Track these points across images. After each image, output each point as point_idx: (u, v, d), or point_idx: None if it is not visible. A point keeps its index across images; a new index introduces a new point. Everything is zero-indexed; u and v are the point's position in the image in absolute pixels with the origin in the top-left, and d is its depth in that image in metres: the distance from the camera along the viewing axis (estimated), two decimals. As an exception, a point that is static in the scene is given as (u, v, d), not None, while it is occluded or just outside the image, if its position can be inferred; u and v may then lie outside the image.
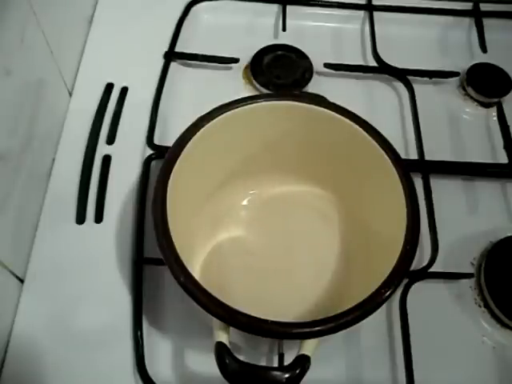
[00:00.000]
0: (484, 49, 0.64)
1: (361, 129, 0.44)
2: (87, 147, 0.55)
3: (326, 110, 0.45)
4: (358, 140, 0.45)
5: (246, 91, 0.60)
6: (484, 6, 0.67)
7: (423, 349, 0.46)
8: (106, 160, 0.55)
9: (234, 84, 0.60)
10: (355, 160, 0.46)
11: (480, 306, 0.49)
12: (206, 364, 0.43)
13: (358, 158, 0.46)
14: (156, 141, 0.55)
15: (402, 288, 0.48)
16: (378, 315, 0.47)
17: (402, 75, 0.61)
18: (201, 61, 0.61)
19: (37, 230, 0.50)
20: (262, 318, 0.36)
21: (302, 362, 0.35)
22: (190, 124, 0.43)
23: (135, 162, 0.54)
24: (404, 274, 0.38)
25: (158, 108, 0.57)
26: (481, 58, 0.63)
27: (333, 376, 0.45)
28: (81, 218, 0.52)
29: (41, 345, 0.45)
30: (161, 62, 0.61)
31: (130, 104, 0.58)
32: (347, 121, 0.45)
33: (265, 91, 0.59)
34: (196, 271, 0.47)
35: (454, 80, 0.62)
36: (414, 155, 0.56)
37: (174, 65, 0.61)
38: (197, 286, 0.36)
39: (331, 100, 0.47)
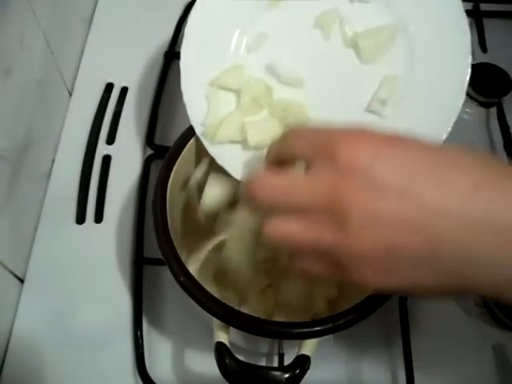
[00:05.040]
0: (484, 49, 0.64)
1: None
2: (87, 147, 0.55)
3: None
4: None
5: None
6: (484, 6, 0.67)
7: (423, 349, 0.46)
8: (106, 160, 0.55)
9: (233, 84, 0.60)
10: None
11: (480, 306, 0.49)
12: (206, 364, 0.43)
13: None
14: (156, 141, 0.55)
15: (401, 288, 0.48)
16: (378, 315, 0.47)
17: (402, 75, 0.61)
18: (201, 61, 0.61)
19: (37, 230, 0.50)
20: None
21: (302, 362, 0.35)
22: (190, 124, 0.43)
23: (135, 162, 0.54)
24: (404, 274, 0.38)
25: (158, 108, 0.57)
26: (481, 57, 0.63)
27: (333, 376, 0.45)
28: (81, 218, 0.52)
29: (41, 344, 0.45)
30: (161, 62, 0.61)
31: (130, 104, 0.58)
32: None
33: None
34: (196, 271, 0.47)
35: (454, 80, 0.62)
36: (413, 155, 0.56)
37: (174, 65, 0.61)
38: (197, 286, 0.36)
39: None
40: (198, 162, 0.44)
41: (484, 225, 0.24)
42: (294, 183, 0.29)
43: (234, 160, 0.40)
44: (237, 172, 0.40)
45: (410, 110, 0.39)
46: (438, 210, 0.25)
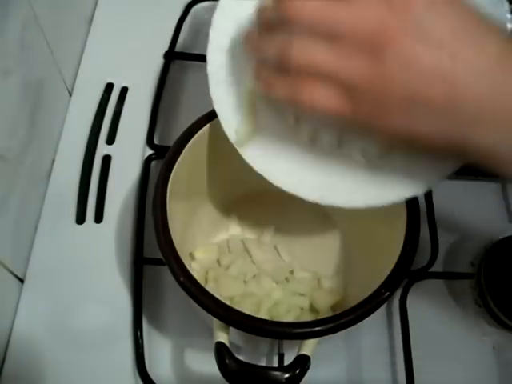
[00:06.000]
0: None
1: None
2: (87, 147, 0.55)
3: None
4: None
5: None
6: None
7: (423, 349, 0.46)
8: (106, 160, 0.55)
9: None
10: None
11: (480, 305, 0.49)
12: (206, 364, 0.43)
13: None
14: (156, 141, 0.55)
15: (401, 288, 0.48)
16: (378, 315, 0.47)
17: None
18: (201, 61, 0.60)
19: (37, 230, 0.50)
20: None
21: (302, 362, 0.35)
22: (190, 124, 0.43)
23: (135, 161, 0.54)
24: (404, 274, 0.38)
25: (158, 108, 0.57)
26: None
27: (333, 376, 0.45)
28: (81, 218, 0.52)
29: (41, 345, 0.45)
30: (161, 62, 0.61)
31: (130, 104, 0.58)
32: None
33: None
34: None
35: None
36: (414, 155, 0.56)
37: (173, 65, 0.61)
38: (197, 286, 0.36)
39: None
40: (198, 161, 0.44)
41: (497, 91, 0.28)
42: (340, 7, 0.29)
43: (273, 167, 0.38)
44: (278, 180, 0.38)
45: None
46: (466, 66, 0.28)
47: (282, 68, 0.31)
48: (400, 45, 0.28)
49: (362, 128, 0.32)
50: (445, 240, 0.51)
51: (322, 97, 0.30)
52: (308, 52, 0.30)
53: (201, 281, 0.37)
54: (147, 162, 0.54)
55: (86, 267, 0.49)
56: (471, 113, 0.28)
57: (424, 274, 0.49)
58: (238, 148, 0.38)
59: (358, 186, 0.37)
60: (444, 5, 0.28)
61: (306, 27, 0.30)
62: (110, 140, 0.56)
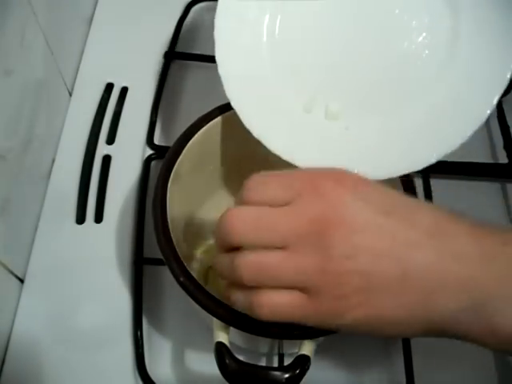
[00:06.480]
0: (484, 49, 0.64)
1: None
2: (87, 147, 0.55)
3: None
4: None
5: (246, 91, 0.60)
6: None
7: (423, 349, 0.46)
8: (106, 160, 0.55)
9: (234, 84, 0.60)
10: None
11: (480, 305, 0.49)
12: (206, 364, 0.43)
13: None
14: (156, 141, 0.55)
15: (401, 288, 0.48)
16: (378, 315, 0.47)
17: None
18: (201, 61, 0.61)
19: (37, 230, 0.50)
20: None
21: (302, 362, 0.34)
22: (190, 124, 0.43)
23: (135, 161, 0.54)
24: (404, 274, 0.38)
25: (158, 108, 0.57)
26: (481, 58, 0.63)
27: (333, 376, 0.45)
28: (81, 218, 0.52)
29: (41, 345, 0.45)
30: (161, 62, 0.61)
31: (130, 104, 0.58)
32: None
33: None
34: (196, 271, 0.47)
35: (454, 80, 0.62)
36: (414, 155, 0.56)
37: (173, 65, 0.61)
38: (197, 286, 0.36)
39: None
40: (198, 161, 0.44)
41: (432, 262, 0.29)
42: (276, 213, 0.30)
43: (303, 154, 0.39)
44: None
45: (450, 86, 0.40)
46: (408, 242, 0.29)
47: (239, 284, 0.31)
48: (342, 234, 0.28)
49: (327, 325, 0.31)
50: (445, 240, 0.50)
51: (280, 304, 0.30)
52: (254, 264, 0.30)
53: (201, 281, 0.37)
54: (147, 162, 0.54)
55: (86, 267, 0.49)
56: (421, 283, 0.29)
57: (424, 274, 0.49)
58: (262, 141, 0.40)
59: None
60: (365, 189, 0.30)
61: (248, 240, 0.30)
62: (110, 140, 0.56)
